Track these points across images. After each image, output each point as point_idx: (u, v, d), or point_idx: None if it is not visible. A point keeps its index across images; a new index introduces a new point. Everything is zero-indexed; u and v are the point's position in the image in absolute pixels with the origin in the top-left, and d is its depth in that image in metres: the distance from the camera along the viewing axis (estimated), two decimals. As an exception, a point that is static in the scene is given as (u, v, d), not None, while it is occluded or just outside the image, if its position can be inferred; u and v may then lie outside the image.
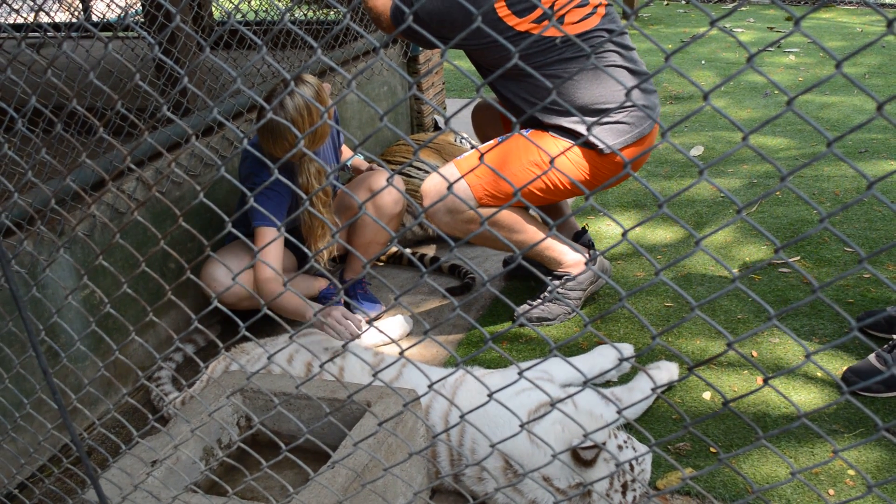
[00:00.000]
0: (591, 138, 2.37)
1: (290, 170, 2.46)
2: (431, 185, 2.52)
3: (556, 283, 2.63)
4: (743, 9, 7.94)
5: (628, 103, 2.40)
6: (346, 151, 2.95)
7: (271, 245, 2.35)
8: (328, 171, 2.54)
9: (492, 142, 2.37)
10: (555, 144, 2.41)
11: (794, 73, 5.48)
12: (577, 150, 2.41)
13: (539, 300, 2.70)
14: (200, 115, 2.80)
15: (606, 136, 2.40)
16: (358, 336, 2.00)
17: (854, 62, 5.62)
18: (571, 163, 2.42)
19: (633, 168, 2.53)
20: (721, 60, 6.00)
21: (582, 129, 2.38)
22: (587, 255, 2.67)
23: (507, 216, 2.48)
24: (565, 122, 2.40)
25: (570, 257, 2.63)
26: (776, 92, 5.02)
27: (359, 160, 2.97)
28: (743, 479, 1.84)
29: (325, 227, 2.54)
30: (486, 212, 2.43)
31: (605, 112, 2.37)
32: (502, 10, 2.31)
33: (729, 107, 4.90)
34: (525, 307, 2.70)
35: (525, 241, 2.51)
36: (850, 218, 3.19)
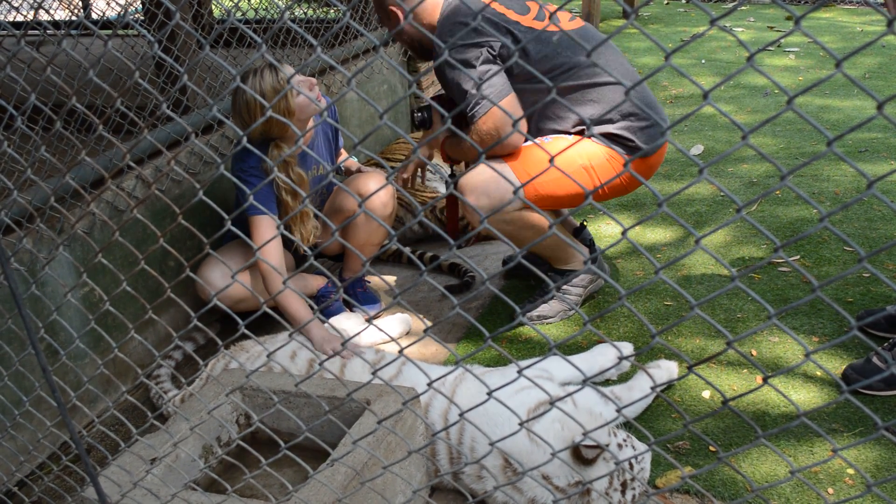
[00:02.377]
0: (636, 141, 2.41)
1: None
2: (478, 181, 2.38)
3: (556, 282, 2.64)
4: (743, 8, 7.93)
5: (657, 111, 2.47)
6: (343, 154, 2.94)
7: (272, 240, 2.34)
8: (298, 161, 2.53)
9: (561, 140, 2.39)
10: (598, 149, 2.43)
11: (794, 73, 5.48)
12: (619, 157, 2.43)
13: (539, 299, 2.71)
14: (200, 113, 2.80)
15: (647, 141, 2.43)
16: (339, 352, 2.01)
17: (853, 63, 5.62)
18: (613, 169, 2.44)
19: (644, 177, 2.57)
20: (720, 60, 6.00)
21: (628, 134, 2.40)
22: (586, 254, 2.68)
23: (541, 218, 2.47)
24: (612, 128, 2.41)
25: (574, 255, 2.66)
26: (776, 92, 5.02)
27: (350, 161, 2.96)
28: (742, 477, 1.84)
29: (304, 211, 2.52)
30: (530, 215, 2.43)
31: (634, 117, 2.42)
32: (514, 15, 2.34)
33: (729, 107, 4.90)
34: (525, 306, 2.70)
35: (554, 241, 2.54)
36: (850, 217, 3.19)
